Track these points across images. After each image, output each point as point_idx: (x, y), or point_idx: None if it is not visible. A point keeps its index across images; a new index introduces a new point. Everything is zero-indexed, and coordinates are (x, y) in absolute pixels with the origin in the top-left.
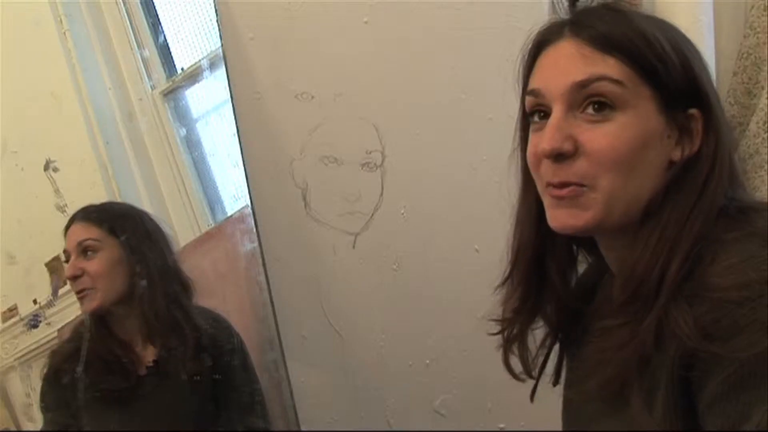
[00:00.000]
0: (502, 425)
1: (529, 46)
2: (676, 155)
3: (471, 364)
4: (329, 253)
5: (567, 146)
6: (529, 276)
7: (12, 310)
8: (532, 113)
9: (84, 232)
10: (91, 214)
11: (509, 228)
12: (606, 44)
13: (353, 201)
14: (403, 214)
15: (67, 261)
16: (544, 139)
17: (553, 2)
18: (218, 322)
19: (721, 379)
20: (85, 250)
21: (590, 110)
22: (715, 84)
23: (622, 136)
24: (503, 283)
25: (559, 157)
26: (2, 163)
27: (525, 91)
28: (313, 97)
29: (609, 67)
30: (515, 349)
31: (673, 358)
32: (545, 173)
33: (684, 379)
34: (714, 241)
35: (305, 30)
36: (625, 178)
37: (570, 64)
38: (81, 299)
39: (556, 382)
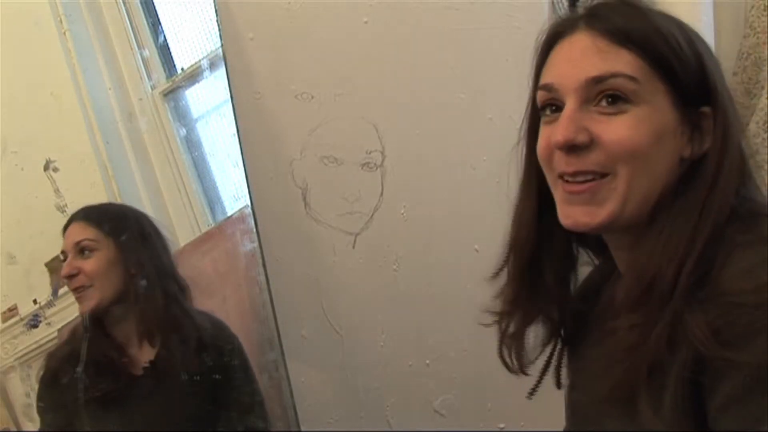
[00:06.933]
0: (502, 425)
1: (543, 38)
2: (687, 152)
3: (471, 364)
4: (329, 253)
5: (582, 137)
6: (523, 275)
7: (12, 310)
8: (544, 107)
9: (82, 232)
10: (89, 215)
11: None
12: (621, 37)
13: (353, 201)
14: (403, 214)
15: (65, 260)
16: (557, 131)
17: (553, 2)
18: (216, 323)
19: (735, 382)
20: (82, 249)
21: (604, 103)
22: None
23: (638, 128)
24: (496, 275)
25: (573, 148)
26: (2, 163)
27: (537, 84)
28: (313, 97)
29: (624, 62)
30: (511, 344)
31: (684, 361)
32: (558, 164)
33: (693, 381)
34: (726, 244)
35: (305, 30)
36: (642, 170)
37: (584, 57)
38: (79, 299)
39: (559, 385)
